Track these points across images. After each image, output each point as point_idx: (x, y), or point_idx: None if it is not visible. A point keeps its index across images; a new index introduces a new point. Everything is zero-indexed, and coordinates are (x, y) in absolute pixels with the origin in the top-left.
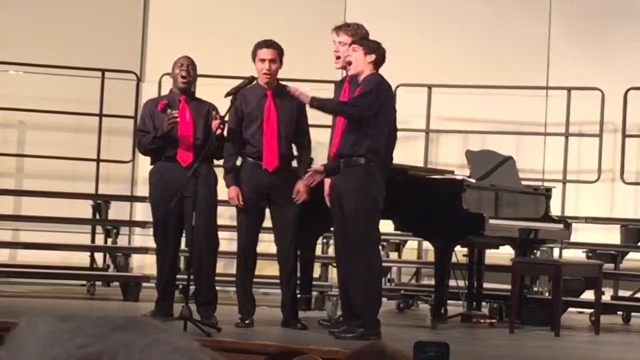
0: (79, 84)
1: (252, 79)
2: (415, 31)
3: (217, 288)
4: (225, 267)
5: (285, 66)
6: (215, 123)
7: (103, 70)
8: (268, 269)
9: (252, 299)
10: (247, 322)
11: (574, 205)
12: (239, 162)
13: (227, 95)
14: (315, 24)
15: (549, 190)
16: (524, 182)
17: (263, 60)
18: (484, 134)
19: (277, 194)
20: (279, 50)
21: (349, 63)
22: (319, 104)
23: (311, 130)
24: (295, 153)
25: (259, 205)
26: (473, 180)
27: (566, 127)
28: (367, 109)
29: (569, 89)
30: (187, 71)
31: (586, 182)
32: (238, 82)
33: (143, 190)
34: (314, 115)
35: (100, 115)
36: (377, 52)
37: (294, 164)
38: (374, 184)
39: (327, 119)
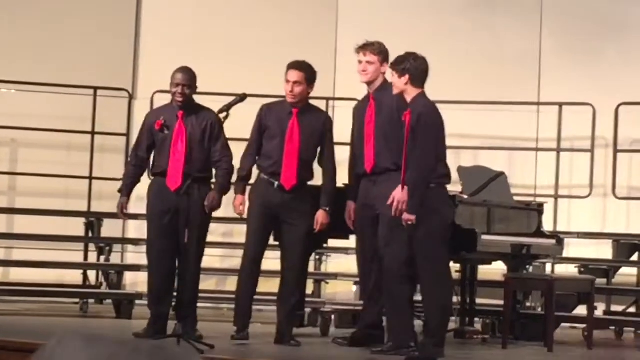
0: (71, 102)
1: (245, 96)
2: (405, 48)
3: (210, 305)
4: (219, 284)
5: (277, 83)
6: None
7: (95, 88)
8: (263, 285)
9: (250, 314)
10: (242, 334)
11: (566, 221)
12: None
13: (219, 112)
14: (307, 42)
15: (541, 205)
16: (516, 198)
17: (288, 82)
18: (475, 150)
19: (287, 212)
20: (305, 73)
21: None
22: (413, 193)
23: None
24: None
25: (268, 222)
26: (465, 196)
27: (558, 142)
28: (430, 147)
29: (561, 105)
30: (183, 93)
31: (578, 197)
32: (230, 99)
33: (135, 207)
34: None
35: (93, 132)
36: (409, 71)
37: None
38: (446, 206)
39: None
